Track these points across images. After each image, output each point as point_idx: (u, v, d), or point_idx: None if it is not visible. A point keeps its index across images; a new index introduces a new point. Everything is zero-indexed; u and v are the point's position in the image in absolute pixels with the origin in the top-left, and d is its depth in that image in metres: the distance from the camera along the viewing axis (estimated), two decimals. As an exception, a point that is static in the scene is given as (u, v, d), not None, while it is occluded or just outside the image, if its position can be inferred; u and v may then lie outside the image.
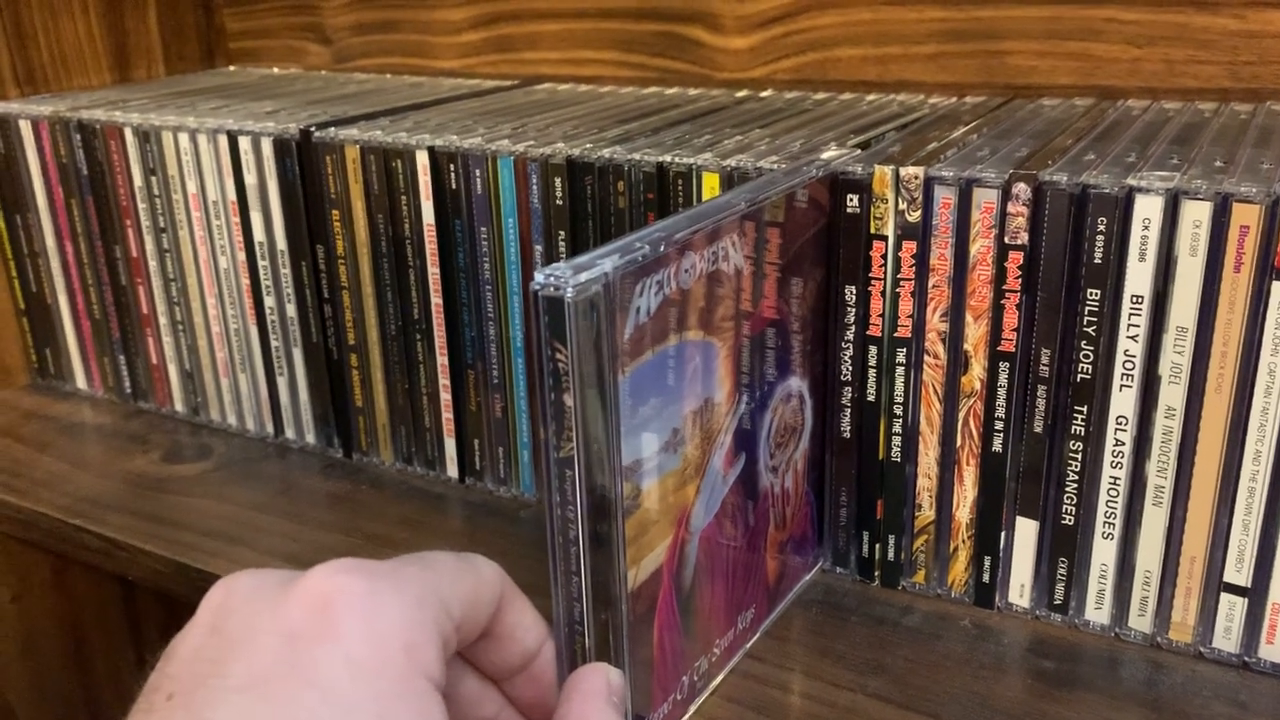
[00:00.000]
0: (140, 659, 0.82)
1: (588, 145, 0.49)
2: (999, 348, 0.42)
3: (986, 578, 0.45)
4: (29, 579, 0.73)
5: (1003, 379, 0.42)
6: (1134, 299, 0.39)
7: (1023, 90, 0.59)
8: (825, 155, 0.45)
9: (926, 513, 0.45)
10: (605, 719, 0.32)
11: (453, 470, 0.58)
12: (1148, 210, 0.38)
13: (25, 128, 0.67)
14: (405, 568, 0.30)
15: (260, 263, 0.60)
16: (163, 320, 0.66)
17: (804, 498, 0.47)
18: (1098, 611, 0.43)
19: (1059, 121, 0.50)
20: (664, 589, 0.37)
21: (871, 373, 0.45)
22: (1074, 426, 0.41)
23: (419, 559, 0.31)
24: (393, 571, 0.29)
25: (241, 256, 0.60)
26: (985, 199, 0.40)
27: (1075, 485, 0.42)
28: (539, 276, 0.31)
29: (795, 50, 0.64)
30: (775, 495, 0.44)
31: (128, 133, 0.62)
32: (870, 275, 0.43)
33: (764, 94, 0.63)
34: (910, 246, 0.42)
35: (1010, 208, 0.40)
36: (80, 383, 0.72)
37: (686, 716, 0.40)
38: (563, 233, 0.49)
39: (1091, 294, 0.40)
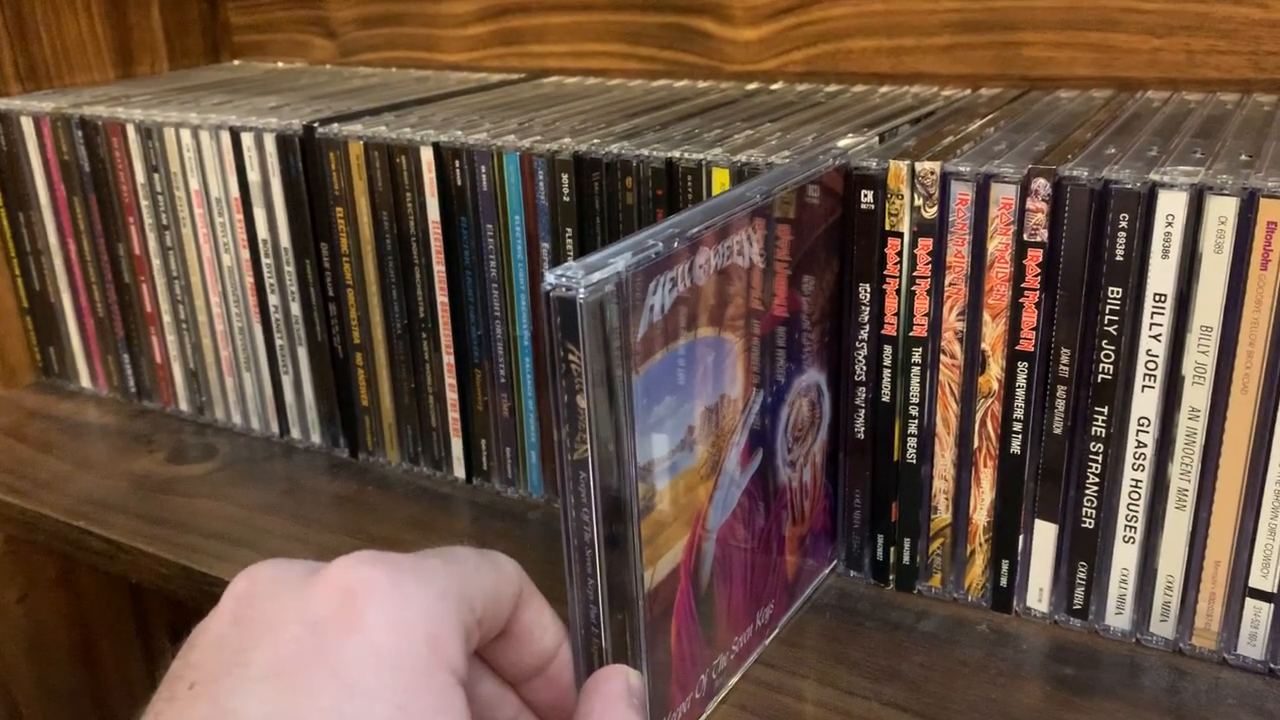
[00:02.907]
0: (148, 657, 0.82)
1: (595, 141, 0.48)
2: (1017, 347, 0.41)
3: (1004, 582, 0.44)
4: (36, 578, 0.73)
5: (1021, 379, 0.41)
6: (1157, 297, 0.38)
7: (1039, 82, 0.58)
8: (842, 143, 0.44)
9: (943, 515, 0.44)
10: None
11: (459, 471, 0.57)
12: (1171, 206, 0.37)
13: (27, 124, 0.66)
14: (428, 560, 0.30)
15: (264, 260, 0.59)
16: (166, 319, 0.65)
17: (822, 490, 0.46)
18: (1118, 617, 0.43)
19: (1077, 114, 0.49)
20: (681, 589, 0.37)
21: (886, 373, 0.44)
22: (1094, 428, 0.40)
23: (441, 553, 0.31)
24: (416, 564, 0.29)
25: (245, 254, 0.60)
26: (1003, 195, 0.39)
27: (1096, 488, 0.41)
28: (550, 277, 0.30)
29: (807, 42, 0.63)
30: (793, 489, 0.43)
31: (130, 129, 0.61)
32: (885, 273, 0.42)
33: (775, 86, 0.62)
34: (926, 244, 0.41)
35: (1029, 204, 0.39)
36: (85, 381, 0.72)
37: (705, 714, 0.39)
38: (570, 229, 0.49)
39: (1113, 292, 0.39)
